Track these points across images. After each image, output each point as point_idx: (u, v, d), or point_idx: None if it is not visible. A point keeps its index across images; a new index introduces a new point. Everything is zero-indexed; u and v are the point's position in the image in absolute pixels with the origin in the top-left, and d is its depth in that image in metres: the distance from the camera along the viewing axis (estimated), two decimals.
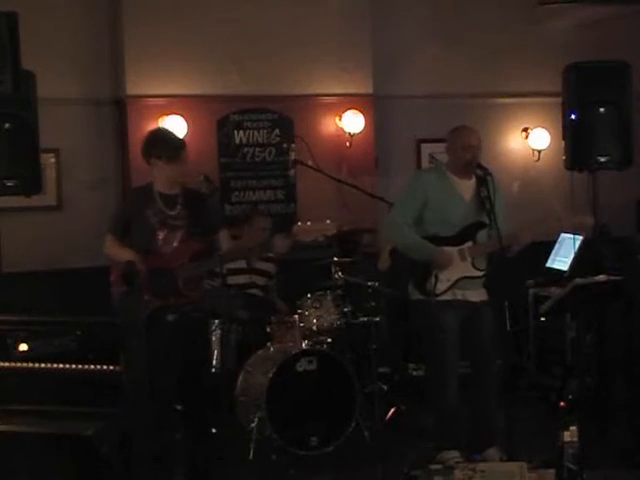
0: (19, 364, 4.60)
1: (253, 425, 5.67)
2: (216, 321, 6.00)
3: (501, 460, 5.08)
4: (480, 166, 5.25)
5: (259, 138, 7.65)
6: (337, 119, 7.75)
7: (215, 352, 5.93)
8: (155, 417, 4.74)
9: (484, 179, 5.22)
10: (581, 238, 6.68)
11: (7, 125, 5.27)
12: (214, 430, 5.44)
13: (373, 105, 7.84)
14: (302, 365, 5.81)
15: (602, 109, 5.94)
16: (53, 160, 7.21)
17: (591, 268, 5.81)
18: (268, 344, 6.11)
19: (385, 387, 6.50)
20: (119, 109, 7.43)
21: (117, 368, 4.60)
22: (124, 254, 4.93)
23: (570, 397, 5.71)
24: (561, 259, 7.19)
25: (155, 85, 7.30)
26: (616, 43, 7.91)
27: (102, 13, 7.44)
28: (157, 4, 7.31)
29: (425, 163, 8.15)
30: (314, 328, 6.17)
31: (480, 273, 5.34)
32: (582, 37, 8.16)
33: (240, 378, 5.98)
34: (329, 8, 7.75)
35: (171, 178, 4.98)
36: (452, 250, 5.26)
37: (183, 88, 7.38)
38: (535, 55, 8.28)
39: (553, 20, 8.23)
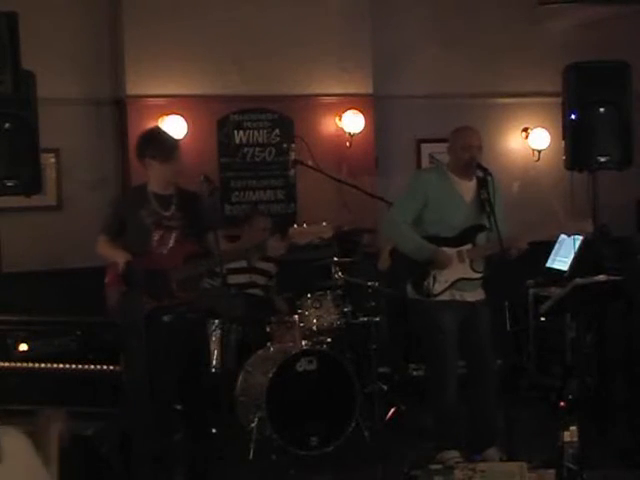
0: (19, 364, 4.61)
1: (253, 425, 5.68)
2: (216, 321, 6.00)
3: (501, 460, 5.07)
4: (480, 166, 5.24)
5: (259, 138, 7.65)
6: (337, 119, 7.75)
7: (215, 352, 5.93)
8: (155, 417, 4.74)
9: (485, 180, 5.21)
10: (581, 238, 6.68)
11: (7, 125, 5.27)
12: (214, 430, 5.44)
13: (373, 105, 7.84)
14: (302, 365, 5.81)
15: (602, 109, 5.94)
16: (53, 160, 7.21)
17: (591, 268, 5.81)
18: (268, 344, 6.11)
19: (385, 387, 6.51)
20: (119, 109, 7.43)
21: (117, 368, 4.60)
22: (116, 254, 4.92)
23: (570, 397, 5.71)
24: (561, 259, 7.19)
25: (155, 85, 7.30)
26: (616, 43, 7.91)
27: (102, 13, 7.44)
28: (157, 4, 7.31)
29: (425, 163, 8.15)
30: (314, 328, 6.17)
31: (478, 275, 5.34)
32: (582, 37, 8.16)
33: (240, 378, 5.98)
34: (329, 8, 7.75)
35: (165, 178, 4.96)
36: (451, 251, 5.26)
37: (183, 88, 7.38)
38: (535, 55, 8.28)
39: (553, 20, 8.23)
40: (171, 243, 4.93)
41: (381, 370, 6.72)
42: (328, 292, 6.28)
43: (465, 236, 5.31)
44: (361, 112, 7.71)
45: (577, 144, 6.00)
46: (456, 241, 5.29)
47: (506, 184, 6.90)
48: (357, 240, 7.19)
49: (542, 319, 6.93)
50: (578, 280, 5.59)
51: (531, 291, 7.20)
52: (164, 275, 4.85)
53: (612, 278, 5.56)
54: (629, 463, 5.29)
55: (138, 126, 7.01)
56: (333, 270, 6.45)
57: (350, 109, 7.70)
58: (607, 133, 5.96)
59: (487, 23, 8.27)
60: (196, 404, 4.98)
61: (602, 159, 5.98)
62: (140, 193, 5.02)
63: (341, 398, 5.80)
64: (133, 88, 7.28)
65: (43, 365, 4.58)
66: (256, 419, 5.66)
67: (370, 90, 7.82)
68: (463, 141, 5.31)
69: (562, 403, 4.68)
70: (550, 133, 8.15)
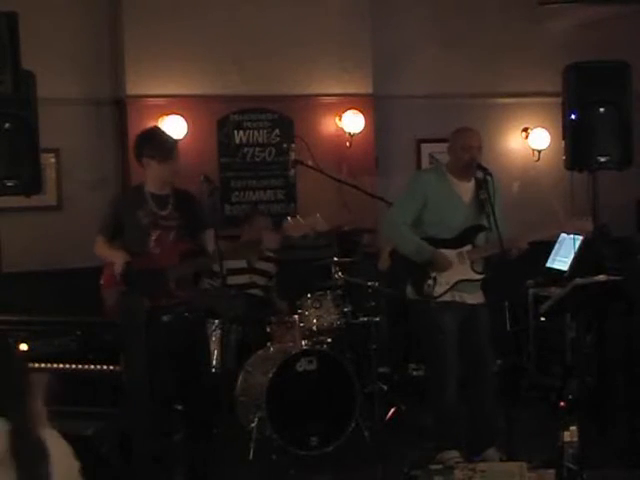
0: None
1: (253, 425, 5.68)
2: (216, 321, 6.00)
3: (501, 460, 5.07)
4: (480, 166, 5.24)
5: (259, 138, 7.65)
6: (337, 119, 7.75)
7: (215, 352, 5.93)
8: (155, 417, 4.74)
9: (484, 180, 5.21)
10: (581, 238, 6.68)
11: (7, 125, 5.27)
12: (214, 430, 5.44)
13: (373, 105, 7.85)
14: (302, 365, 5.81)
15: (602, 109, 5.94)
16: (53, 160, 7.21)
17: (591, 268, 5.80)
18: (268, 344, 6.11)
19: (385, 387, 6.50)
20: (119, 109, 7.43)
21: (117, 368, 4.60)
22: (114, 255, 4.92)
23: (570, 397, 5.70)
24: (561, 259, 7.18)
25: (155, 85, 7.31)
26: (616, 43, 7.91)
27: (102, 13, 7.44)
28: (157, 4, 7.31)
29: (425, 163, 8.15)
30: (314, 328, 6.17)
31: (478, 276, 5.34)
32: (582, 37, 8.15)
33: (240, 378, 5.97)
34: (329, 8, 7.75)
35: (163, 178, 4.96)
36: (451, 253, 5.26)
37: (183, 88, 7.38)
38: (535, 55, 8.28)
39: (553, 20, 8.23)
40: (168, 243, 4.93)
41: (381, 370, 6.72)
42: (328, 292, 6.28)
43: (465, 237, 5.31)
44: (361, 112, 7.72)
45: (577, 144, 6.00)
46: (456, 242, 5.29)
47: (506, 184, 6.90)
48: (357, 240, 7.20)
49: (542, 319, 6.92)
50: (578, 280, 5.58)
51: (531, 291, 7.19)
52: (162, 275, 4.85)
53: (612, 278, 5.55)
54: (629, 463, 5.29)
55: (138, 126, 6.99)
56: (333, 270, 6.45)
57: (350, 109, 7.70)
58: (607, 133, 5.96)
59: (487, 23, 8.28)
60: (196, 404, 4.98)
61: (602, 159, 5.98)
62: (137, 193, 5.02)
63: (341, 398, 5.80)
64: (133, 88, 7.29)
65: (43, 365, 4.58)
66: (256, 419, 5.66)
67: (370, 90, 7.82)
68: (463, 142, 5.31)
69: (562, 403, 4.68)
70: (550, 133, 8.15)
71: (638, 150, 6.17)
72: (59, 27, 7.28)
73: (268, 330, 6.16)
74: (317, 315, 6.19)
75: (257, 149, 7.65)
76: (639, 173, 6.61)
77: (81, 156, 7.36)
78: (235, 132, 7.59)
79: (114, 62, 7.44)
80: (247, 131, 7.62)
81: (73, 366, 4.62)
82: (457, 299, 5.29)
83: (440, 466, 4.77)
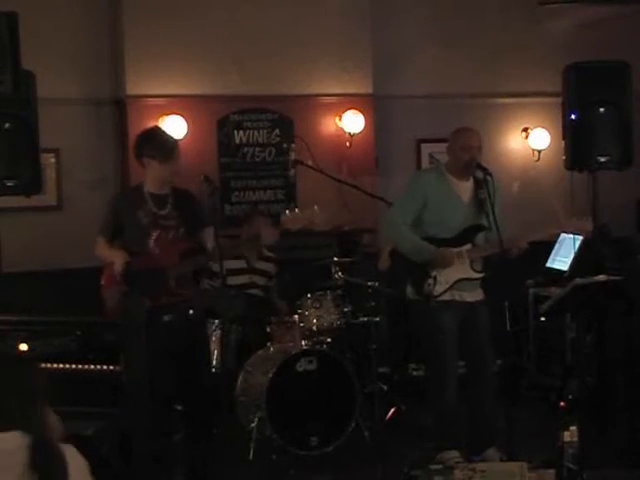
0: None
1: (253, 425, 5.67)
2: (216, 321, 6.00)
3: (501, 460, 5.07)
4: (480, 166, 5.24)
5: (259, 138, 7.65)
6: (337, 119, 7.75)
7: (215, 352, 5.93)
8: (155, 417, 4.74)
9: (484, 180, 5.20)
10: (581, 238, 6.68)
11: (7, 125, 5.27)
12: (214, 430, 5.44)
13: (373, 105, 7.84)
14: (302, 365, 5.81)
15: (602, 109, 5.94)
16: (53, 160, 7.21)
17: (591, 268, 5.80)
18: (268, 344, 6.11)
19: (385, 387, 6.50)
20: (119, 109, 7.43)
21: (117, 368, 4.60)
22: (114, 255, 4.93)
23: (570, 397, 5.70)
24: (561, 259, 7.18)
25: (155, 85, 7.31)
26: (616, 43, 7.91)
27: (102, 13, 7.44)
28: (157, 4, 7.31)
29: (425, 163, 8.15)
30: (314, 328, 6.17)
31: (478, 275, 5.34)
32: (582, 37, 8.15)
33: (240, 378, 5.97)
34: (329, 8, 7.75)
35: (163, 178, 4.96)
36: (451, 252, 5.25)
37: (183, 88, 7.38)
38: (535, 55, 8.28)
39: (553, 20, 8.23)
40: (168, 242, 4.93)
41: (381, 370, 6.72)
42: (328, 292, 6.28)
43: (464, 236, 5.31)
44: (361, 112, 7.72)
45: (577, 144, 6.00)
46: (455, 242, 5.29)
47: (506, 184, 6.90)
48: (357, 240, 7.20)
49: (542, 319, 6.92)
50: (578, 280, 5.58)
51: (531, 291, 7.19)
52: (162, 274, 4.85)
53: (612, 278, 5.55)
54: (629, 463, 5.29)
55: (138, 126, 6.99)
56: (333, 270, 6.45)
57: (350, 109, 7.70)
58: (607, 133, 5.96)
59: (487, 23, 8.28)
60: (196, 404, 4.98)
61: (602, 159, 5.98)
62: (136, 194, 5.03)
63: (341, 398, 5.80)
64: (133, 88, 7.29)
65: (43, 365, 4.57)
66: (256, 419, 5.66)
67: (370, 90, 7.82)
68: (463, 142, 5.31)
69: (562, 403, 4.68)
70: (550, 133, 8.15)
71: (638, 150, 6.17)
72: (59, 27, 7.28)
73: (268, 330, 6.15)
74: (317, 315, 6.19)
75: (257, 149, 7.65)
76: (639, 173, 6.61)
77: (81, 156, 7.36)
78: (235, 132, 7.59)
79: (114, 62, 7.44)
80: (247, 131, 7.62)
81: (73, 366, 4.63)
82: (457, 298, 5.29)
83: (440, 466, 4.77)
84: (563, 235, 7.01)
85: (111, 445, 4.47)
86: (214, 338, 5.94)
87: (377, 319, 6.40)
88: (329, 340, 6.17)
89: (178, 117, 7.26)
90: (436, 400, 5.35)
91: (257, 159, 7.66)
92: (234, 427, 5.83)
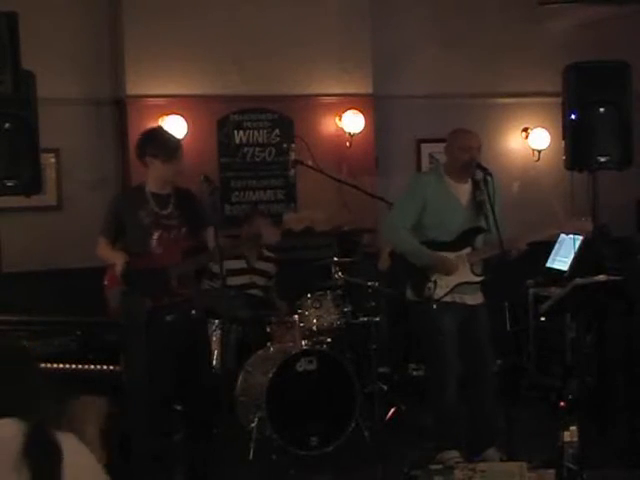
0: None
1: (253, 425, 5.68)
2: (216, 321, 6.00)
3: (501, 460, 5.07)
4: (480, 166, 5.23)
5: (259, 138, 7.65)
6: (337, 119, 7.75)
7: (215, 352, 5.93)
8: (155, 417, 4.74)
9: (484, 181, 5.20)
10: (581, 238, 6.68)
11: (7, 125, 5.27)
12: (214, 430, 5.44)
13: (373, 105, 7.84)
14: (302, 365, 5.81)
15: (602, 109, 5.94)
16: (53, 160, 7.20)
17: (591, 268, 5.80)
18: (268, 344, 6.11)
19: (385, 387, 6.50)
20: (119, 109, 7.43)
21: (117, 368, 4.60)
22: (115, 256, 4.93)
23: (570, 397, 5.70)
24: (561, 259, 7.18)
25: (155, 85, 7.30)
26: (616, 43, 7.91)
27: (102, 13, 7.44)
28: (157, 4, 7.31)
29: (425, 163, 8.15)
30: (314, 328, 6.17)
31: (478, 279, 5.34)
32: (582, 37, 8.16)
33: (240, 378, 5.97)
34: (329, 8, 7.75)
35: (165, 177, 4.96)
36: (451, 256, 5.25)
37: (183, 88, 7.38)
38: (535, 55, 8.28)
39: (553, 20, 8.23)
40: (170, 242, 4.93)
41: (381, 370, 6.71)
42: (328, 292, 6.28)
43: (464, 239, 5.31)
44: (361, 112, 7.72)
45: (577, 144, 6.00)
46: (455, 245, 5.28)
47: (506, 184, 6.90)
48: (357, 240, 7.20)
49: (542, 319, 6.92)
50: (578, 280, 5.58)
51: (531, 291, 7.19)
52: (164, 274, 4.85)
53: (612, 278, 5.55)
54: (629, 463, 5.29)
55: (138, 126, 7.00)
56: (333, 270, 6.45)
57: (350, 109, 7.70)
58: (607, 133, 5.96)
59: (487, 23, 8.27)
60: (196, 404, 4.98)
61: (602, 159, 5.98)
62: (138, 194, 5.02)
63: (341, 398, 5.80)
64: (133, 88, 7.29)
65: (43, 365, 4.57)
66: (256, 419, 5.67)
67: (370, 90, 7.82)
68: (463, 142, 5.30)
69: (562, 403, 4.68)
70: (550, 133, 8.15)
71: (638, 150, 6.17)
72: (59, 27, 7.28)
73: (268, 330, 6.16)
74: (317, 315, 6.19)
75: (257, 149, 7.65)
76: (639, 173, 6.61)
77: (81, 156, 7.36)
78: (235, 132, 7.59)
79: (114, 62, 7.43)
80: (247, 131, 7.62)
81: (73, 366, 4.62)
82: (457, 300, 5.29)
83: (440, 466, 4.77)
84: (563, 235, 7.01)
85: (111, 445, 4.46)
86: (214, 338, 5.94)
87: (377, 319, 6.40)
88: (329, 340, 6.18)
89: (178, 117, 7.26)
90: (436, 400, 5.35)
91: (257, 159, 7.66)
92: (234, 427, 5.83)
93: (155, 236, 4.92)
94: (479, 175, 5.23)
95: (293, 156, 6.87)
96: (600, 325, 6.15)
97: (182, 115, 7.28)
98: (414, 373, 7.02)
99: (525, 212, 7.03)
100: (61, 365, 4.61)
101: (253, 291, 6.67)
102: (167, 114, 7.24)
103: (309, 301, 6.23)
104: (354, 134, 7.72)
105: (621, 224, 7.68)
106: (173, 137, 5.17)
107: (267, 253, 6.74)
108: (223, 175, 7.54)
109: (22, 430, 2.39)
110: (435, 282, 5.17)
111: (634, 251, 6.52)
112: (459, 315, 5.29)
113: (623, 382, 5.98)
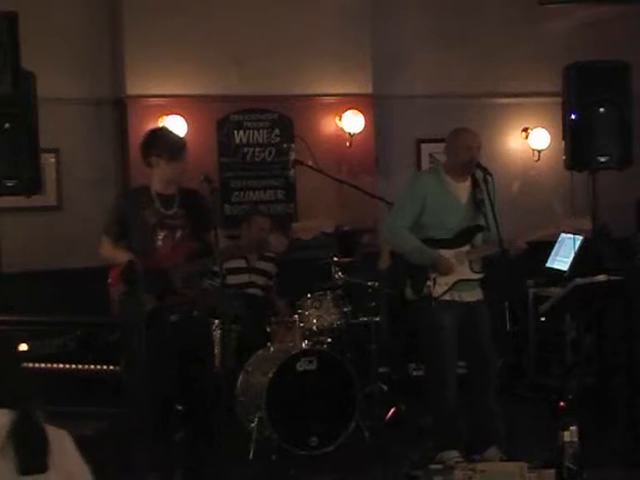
0: None
1: (253, 425, 5.68)
2: (216, 321, 6.00)
3: (501, 460, 5.08)
4: (480, 166, 5.24)
5: (259, 138, 7.65)
6: (337, 119, 7.75)
7: (215, 352, 5.92)
8: (155, 417, 4.73)
9: (484, 180, 5.21)
10: (581, 238, 6.69)
11: (7, 125, 5.26)
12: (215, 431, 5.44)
13: (373, 105, 7.84)
14: (302, 365, 5.81)
15: (602, 109, 5.95)
16: (53, 160, 7.20)
17: (591, 268, 5.81)
18: (268, 344, 6.11)
19: (385, 387, 6.50)
20: (119, 109, 7.43)
21: (117, 368, 4.60)
22: (119, 256, 4.93)
23: (570, 397, 5.71)
24: (561, 259, 7.19)
25: (155, 85, 7.30)
26: (616, 43, 7.90)
27: (102, 13, 7.44)
28: (157, 4, 7.30)
29: (425, 163, 8.14)
30: (314, 328, 6.17)
31: (477, 276, 5.35)
32: (582, 37, 8.15)
33: (240, 378, 5.98)
34: (329, 8, 7.75)
35: (170, 177, 4.96)
36: (449, 253, 5.25)
37: (183, 88, 7.38)
38: (535, 55, 8.27)
39: (553, 20, 8.24)
40: (175, 242, 4.93)
41: (381, 370, 6.71)
42: (328, 292, 6.28)
43: (463, 237, 5.32)
44: (361, 112, 7.71)
45: (577, 144, 6.01)
46: (454, 243, 5.29)
47: (506, 184, 6.91)
48: (357, 240, 7.20)
49: (542, 319, 6.92)
50: (578, 280, 5.59)
51: (531, 291, 7.20)
52: (167, 273, 4.86)
53: (612, 278, 5.56)
54: (629, 463, 5.29)
55: (138, 126, 7.02)
56: (333, 270, 6.46)
57: (350, 109, 7.70)
58: (607, 133, 5.96)
59: (487, 23, 8.27)
60: (197, 404, 4.97)
61: (602, 159, 5.99)
62: (143, 194, 5.01)
63: (341, 398, 5.80)
64: (133, 88, 7.29)
65: (43, 365, 4.57)
66: (256, 419, 5.67)
67: (370, 90, 7.81)
68: (463, 142, 5.30)
69: (562, 403, 4.68)
70: (550, 133, 8.14)
71: (638, 150, 6.17)
72: (59, 27, 7.27)
73: (268, 330, 6.16)
74: (317, 315, 6.19)
75: (257, 149, 7.65)
76: (639, 173, 6.61)
77: (81, 156, 7.35)
78: (235, 132, 7.59)
79: (114, 62, 7.43)
80: (247, 131, 7.62)
81: (73, 366, 4.62)
82: (456, 298, 5.30)
83: (440, 466, 4.78)
84: (563, 235, 7.02)
85: (111, 445, 4.46)
86: (214, 338, 5.94)
87: (377, 319, 6.41)
88: (329, 340, 6.18)
89: (178, 117, 7.26)
90: (436, 400, 5.35)
91: (257, 159, 7.66)
92: (234, 427, 5.83)
93: (160, 236, 4.92)
94: (479, 175, 5.24)
95: (293, 156, 6.87)
96: (600, 325, 6.15)
97: (182, 115, 7.28)
98: (414, 373, 7.02)
99: (525, 212, 7.03)
100: (61, 365, 4.61)
101: (252, 290, 6.68)
102: (167, 114, 7.24)
103: (309, 301, 6.23)
104: (354, 134, 7.72)
105: (621, 224, 7.67)
106: (178, 137, 5.18)
107: (267, 253, 6.73)
108: (223, 175, 7.54)
109: (9, 418, 2.41)
110: (434, 280, 5.18)
111: (634, 251, 6.52)
112: (459, 313, 5.29)
113: (623, 382, 5.98)
